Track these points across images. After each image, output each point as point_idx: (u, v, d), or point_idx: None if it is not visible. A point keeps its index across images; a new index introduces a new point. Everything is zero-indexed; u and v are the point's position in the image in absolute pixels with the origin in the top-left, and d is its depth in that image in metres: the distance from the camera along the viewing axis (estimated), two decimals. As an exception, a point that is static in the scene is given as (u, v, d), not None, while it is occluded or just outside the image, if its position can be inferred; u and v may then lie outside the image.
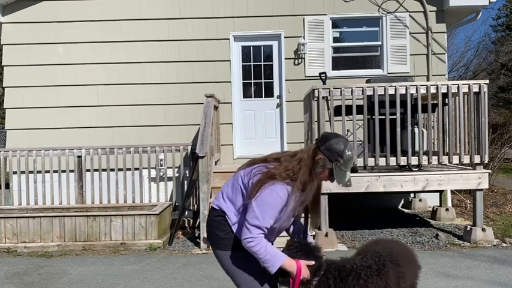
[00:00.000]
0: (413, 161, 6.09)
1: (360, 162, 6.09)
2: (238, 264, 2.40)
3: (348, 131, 6.21)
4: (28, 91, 8.23)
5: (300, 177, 2.25)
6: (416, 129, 6.22)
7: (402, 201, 8.48)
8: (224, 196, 2.46)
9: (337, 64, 8.38)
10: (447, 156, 6.12)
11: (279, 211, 2.25)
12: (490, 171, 7.18)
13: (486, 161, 6.15)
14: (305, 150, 2.37)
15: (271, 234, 2.39)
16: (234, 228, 2.39)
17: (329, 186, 6.01)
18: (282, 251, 2.36)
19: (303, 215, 2.63)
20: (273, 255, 2.27)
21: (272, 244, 2.50)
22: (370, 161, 6.09)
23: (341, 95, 6.05)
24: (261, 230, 2.25)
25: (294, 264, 2.29)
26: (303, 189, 2.27)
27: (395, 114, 6.02)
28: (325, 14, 8.31)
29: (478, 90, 6.00)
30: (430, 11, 8.24)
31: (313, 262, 2.35)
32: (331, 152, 2.28)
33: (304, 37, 8.28)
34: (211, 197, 6.57)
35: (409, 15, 8.29)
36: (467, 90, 6.03)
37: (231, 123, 8.35)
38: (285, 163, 2.32)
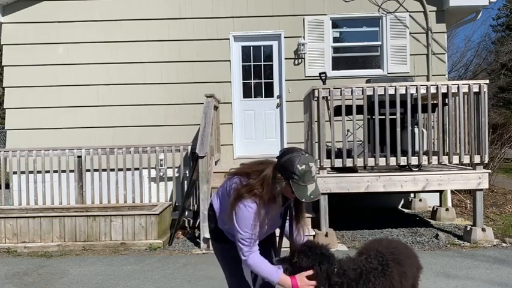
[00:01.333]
0: (413, 161, 6.09)
1: (360, 162, 6.10)
2: (223, 254, 2.70)
3: (348, 131, 6.21)
4: (28, 91, 8.23)
5: (264, 196, 2.35)
6: (416, 129, 6.22)
7: (402, 201, 8.48)
8: (218, 196, 2.70)
9: (337, 64, 8.38)
10: (447, 156, 6.12)
11: (254, 220, 2.38)
12: (490, 171, 7.18)
13: (486, 161, 6.15)
14: (269, 166, 2.41)
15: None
16: (219, 223, 2.64)
17: (329, 187, 6.03)
18: (284, 261, 2.47)
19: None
20: (269, 273, 2.43)
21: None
22: (370, 161, 6.09)
23: (341, 95, 6.05)
24: (246, 241, 2.42)
25: (288, 281, 2.39)
26: (269, 202, 2.37)
27: (395, 114, 6.02)
28: (325, 14, 8.31)
29: (478, 90, 6.00)
30: (430, 11, 8.24)
31: (311, 272, 2.36)
32: (284, 170, 2.30)
33: (304, 37, 8.28)
34: (211, 197, 6.57)
35: (409, 15, 8.29)
36: (467, 90, 6.03)
37: (231, 123, 8.35)
38: (252, 181, 2.40)
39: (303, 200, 2.31)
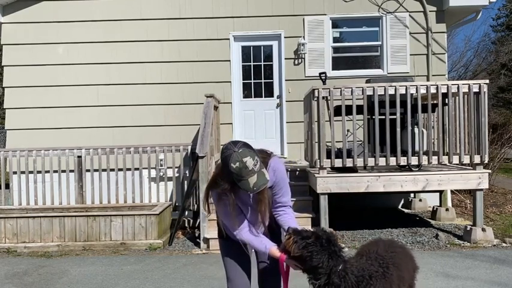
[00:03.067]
0: (413, 161, 6.08)
1: (360, 162, 6.09)
2: (224, 249, 2.84)
3: (348, 131, 6.21)
4: (28, 91, 8.23)
5: (223, 183, 2.49)
6: (416, 129, 6.22)
7: (402, 201, 8.47)
8: None
9: (337, 64, 8.38)
10: (447, 156, 6.12)
11: (221, 206, 2.58)
12: (490, 171, 7.18)
13: (486, 161, 6.14)
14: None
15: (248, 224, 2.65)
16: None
17: (329, 187, 6.02)
18: (297, 233, 2.50)
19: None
20: (258, 246, 2.60)
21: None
22: (370, 161, 6.09)
23: (341, 95, 6.05)
24: (228, 225, 2.64)
25: (277, 253, 2.53)
26: (229, 191, 2.50)
27: (395, 114, 6.01)
28: (325, 14, 8.31)
29: (478, 90, 6.00)
30: (430, 11, 8.24)
31: (298, 264, 2.42)
32: (224, 168, 2.42)
33: (304, 37, 8.28)
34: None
35: (409, 15, 8.29)
36: (467, 90, 6.03)
37: (231, 123, 8.35)
38: (214, 171, 2.65)
39: (249, 192, 2.42)
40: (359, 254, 2.60)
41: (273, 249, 2.55)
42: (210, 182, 2.59)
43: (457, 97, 6.14)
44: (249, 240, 2.61)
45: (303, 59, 8.33)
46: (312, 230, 2.50)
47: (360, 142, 6.58)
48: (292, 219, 2.67)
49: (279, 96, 8.43)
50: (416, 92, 6.05)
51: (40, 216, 6.30)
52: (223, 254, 2.84)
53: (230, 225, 2.62)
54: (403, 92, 6.02)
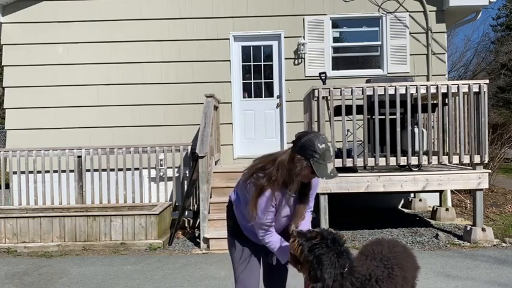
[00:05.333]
0: (413, 161, 6.08)
1: (360, 162, 6.09)
2: (236, 248, 2.76)
3: (348, 131, 6.21)
4: (28, 91, 8.23)
5: (279, 179, 2.45)
6: (416, 129, 6.21)
7: (402, 201, 8.47)
8: (236, 193, 2.80)
9: (337, 64, 8.38)
10: (447, 156, 6.12)
11: (266, 206, 2.50)
12: (490, 171, 7.18)
13: (486, 161, 6.14)
14: (283, 153, 2.54)
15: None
16: (238, 218, 2.73)
17: (329, 187, 6.02)
18: (301, 235, 2.48)
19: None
20: (280, 251, 2.58)
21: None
22: (370, 161, 6.09)
23: (341, 95, 6.05)
24: (264, 225, 2.55)
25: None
26: (285, 187, 2.47)
27: (395, 114, 6.01)
28: (325, 14, 8.31)
29: (478, 90, 6.00)
30: (430, 11, 8.24)
31: None
32: (305, 150, 2.38)
33: (304, 37, 8.28)
34: (211, 197, 6.57)
35: (409, 15, 8.29)
36: (467, 90, 6.03)
37: (231, 123, 8.35)
38: (269, 170, 2.50)
39: (324, 178, 2.41)
40: (363, 254, 2.56)
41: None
42: (266, 180, 2.50)
43: (457, 97, 6.14)
44: (272, 243, 2.58)
45: (303, 59, 8.33)
46: (316, 230, 2.48)
47: (360, 142, 6.58)
48: (309, 219, 2.76)
49: (279, 96, 8.43)
50: (416, 92, 6.05)
51: (40, 216, 6.29)
52: (234, 253, 2.77)
53: (263, 226, 2.56)
54: (403, 92, 6.02)
